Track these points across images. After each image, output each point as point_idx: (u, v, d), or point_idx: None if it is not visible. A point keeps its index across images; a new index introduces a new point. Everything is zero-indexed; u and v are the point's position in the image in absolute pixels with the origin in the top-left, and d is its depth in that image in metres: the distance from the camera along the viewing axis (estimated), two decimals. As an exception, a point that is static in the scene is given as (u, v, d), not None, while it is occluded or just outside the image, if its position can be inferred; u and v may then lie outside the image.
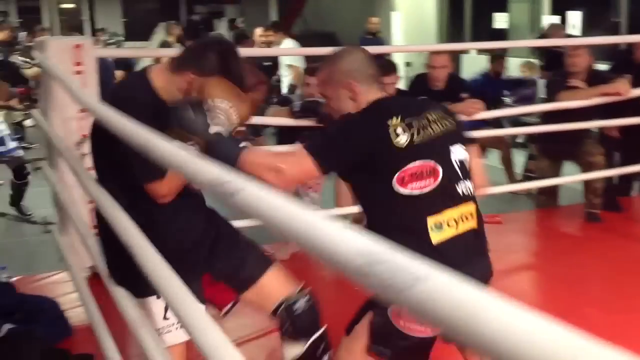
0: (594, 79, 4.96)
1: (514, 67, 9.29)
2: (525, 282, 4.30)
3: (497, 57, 7.02)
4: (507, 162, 6.93)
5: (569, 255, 4.45)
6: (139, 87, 2.10)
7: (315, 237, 0.77)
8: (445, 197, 2.00)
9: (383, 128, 1.97)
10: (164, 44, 9.50)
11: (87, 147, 3.62)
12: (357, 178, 2.07)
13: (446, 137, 2.06)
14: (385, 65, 4.64)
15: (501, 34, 10.27)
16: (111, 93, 2.22)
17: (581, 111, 4.85)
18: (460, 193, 2.04)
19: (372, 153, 1.97)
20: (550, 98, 5.14)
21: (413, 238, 1.90)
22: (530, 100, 8.66)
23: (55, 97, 3.49)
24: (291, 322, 2.21)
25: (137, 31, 12.26)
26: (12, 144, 5.82)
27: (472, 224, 2.06)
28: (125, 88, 2.25)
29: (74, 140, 3.55)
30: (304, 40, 13.49)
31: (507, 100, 8.25)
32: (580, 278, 4.04)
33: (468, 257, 2.02)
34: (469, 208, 2.06)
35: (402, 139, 1.96)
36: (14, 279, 3.68)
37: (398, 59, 10.60)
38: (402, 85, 5.08)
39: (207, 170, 1.09)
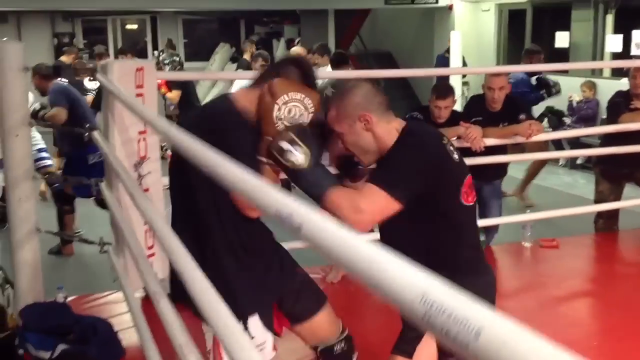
0: (658, 101, 4.84)
1: (575, 88, 9.14)
2: (583, 309, 4.20)
3: (529, 52, 6.80)
4: (531, 172, 6.73)
5: (629, 281, 4.33)
6: (227, 114, 2.15)
7: (378, 277, 0.79)
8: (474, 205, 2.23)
9: (443, 147, 2.12)
10: (242, 64, 9.45)
11: (145, 169, 3.73)
12: (420, 203, 2.06)
13: (460, 152, 2.25)
14: (441, 89, 4.62)
15: (563, 54, 10.09)
16: (196, 120, 2.27)
17: (644, 134, 4.75)
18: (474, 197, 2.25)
19: (442, 173, 2.08)
20: (611, 120, 5.04)
21: (473, 241, 2.18)
22: (591, 120, 8.50)
23: (116, 119, 3.58)
24: None
25: (197, 52, 12.51)
26: (40, 155, 5.96)
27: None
28: (214, 119, 2.20)
29: (133, 162, 3.64)
30: (361, 60, 13.60)
31: (567, 120, 8.09)
32: (640, 305, 3.93)
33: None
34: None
35: (455, 156, 2.14)
36: (70, 298, 3.77)
37: (455, 79, 10.55)
38: (458, 106, 5.01)
39: (275, 201, 1.09)
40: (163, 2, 12.01)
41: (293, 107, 2.06)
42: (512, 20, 11.31)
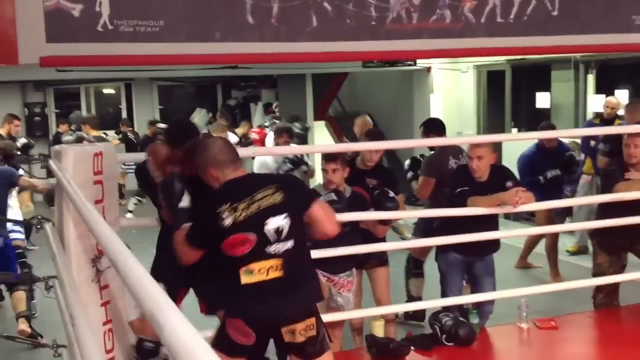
0: (654, 169, 4.61)
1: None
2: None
3: (547, 128, 6.75)
4: (550, 251, 6.67)
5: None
6: None
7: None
8: (256, 254, 2.92)
9: (214, 214, 2.92)
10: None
11: (104, 263, 3.37)
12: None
13: (267, 211, 2.94)
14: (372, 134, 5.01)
15: (543, 114, 9.94)
16: None
17: (641, 204, 4.52)
18: (269, 252, 2.94)
19: (210, 231, 2.96)
20: (606, 189, 4.80)
21: (229, 279, 2.97)
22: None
23: (71, 211, 3.23)
24: None
25: (174, 117, 12.24)
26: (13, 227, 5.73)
27: (279, 273, 2.95)
28: None
29: (91, 257, 3.28)
30: (340, 122, 13.41)
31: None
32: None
33: (271, 297, 2.95)
34: (276, 262, 2.95)
35: (227, 222, 2.90)
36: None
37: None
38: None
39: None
40: (138, 71, 11.81)
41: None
42: (492, 82, 11.18)
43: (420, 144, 5.46)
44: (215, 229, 2.91)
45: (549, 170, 6.48)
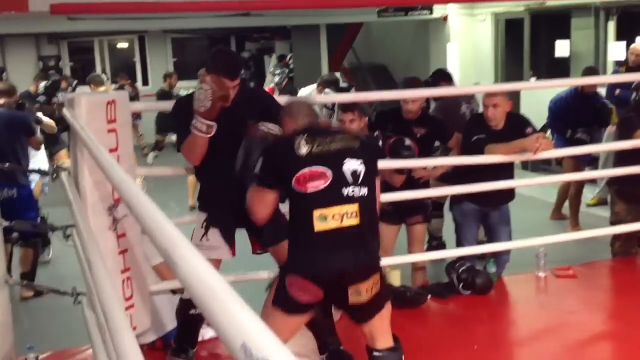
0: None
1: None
2: (605, 351, 3.83)
3: (587, 72, 6.47)
4: (573, 200, 6.53)
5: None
6: None
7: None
8: (332, 196, 2.70)
9: (291, 142, 2.75)
10: None
11: (121, 211, 3.37)
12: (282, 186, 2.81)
13: (343, 152, 2.77)
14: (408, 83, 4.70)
15: (563, 63, 9.77)
16: None
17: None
18: (346, 195, 2.71)
19: (283, 160, 2.78)
20: (624, 136, 4.71)
21: (302, 225, 2.72)
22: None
23: (86, 158, 3.22)
24: None
25: (187, 70, 12.17)
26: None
27: (355, 221, 2.70)
28: None
29: (107, 205, 3.28)
30: (355, 73, 13.27)
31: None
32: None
33: (344, 246, 2.70)
34: (352, 208, 2.71)
35: (302, 150, 2.73)
36: (43, 356, 3.41)
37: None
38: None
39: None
40: (151, 22, 11.68)
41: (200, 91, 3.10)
42: (510, 30, 10.98)
43: (438, 93, 5.34)
44: (290, 158, 2.72)
45: (579, 131, 6.26)
